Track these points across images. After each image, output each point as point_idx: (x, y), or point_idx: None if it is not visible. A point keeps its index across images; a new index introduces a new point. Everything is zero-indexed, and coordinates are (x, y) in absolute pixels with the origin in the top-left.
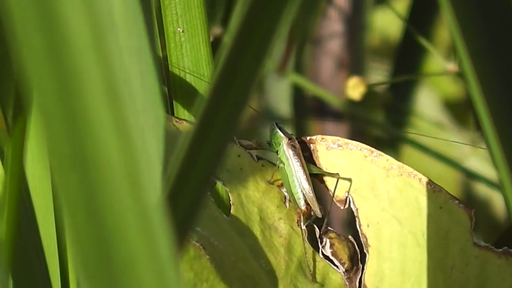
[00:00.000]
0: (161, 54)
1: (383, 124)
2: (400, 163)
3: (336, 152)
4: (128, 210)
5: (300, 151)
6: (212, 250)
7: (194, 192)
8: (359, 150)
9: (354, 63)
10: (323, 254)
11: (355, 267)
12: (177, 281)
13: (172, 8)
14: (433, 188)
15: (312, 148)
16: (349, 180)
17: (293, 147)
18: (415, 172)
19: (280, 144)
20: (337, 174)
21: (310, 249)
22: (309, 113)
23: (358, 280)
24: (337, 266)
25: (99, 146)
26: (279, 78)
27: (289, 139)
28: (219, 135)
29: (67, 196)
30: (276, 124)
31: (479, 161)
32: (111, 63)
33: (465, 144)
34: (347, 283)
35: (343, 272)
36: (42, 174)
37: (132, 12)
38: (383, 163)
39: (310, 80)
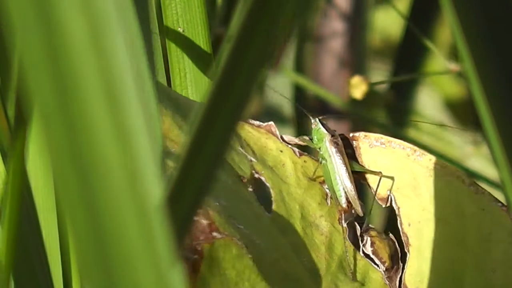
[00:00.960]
0: (162, 54)
1: (384, 124)
2: (443, 163)
3: (379, 150)
4: (127, 211)
5: (343, 148)
6: (254, 248)
7: (196, 189)
8: (402, 149)
9: (355, 62)
10: (363, 252)
11: (395, 266)
12: (177, 280)
13: (172, 8)
14: (475, 190)
15: (354, 145)
16: (391, 178)
17: (336, 144)
18: (459, 173)
19: (322, 140)
20: (380, 172)
21: (351, 247)
22: (311, 112)
23: (398, 280)
24: (377, 265)
25: (98, 147)
26: (273, 74)
27: (332, 135)
28: (221, 132)
29: (66, 195)
30: (319, 120)
31: (480, 161)
32: (109, 63)
33: (464, 130)
34: (387, 282)
35: (384, 271)
36: (45, 173)
37: (125, 11)
38: (426, 163)
39: (311, 79)
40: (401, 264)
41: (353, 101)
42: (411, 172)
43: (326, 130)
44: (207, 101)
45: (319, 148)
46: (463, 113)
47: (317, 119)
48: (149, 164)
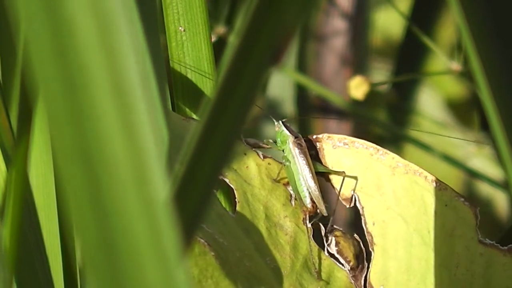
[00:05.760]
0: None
1: (385, 123)
2: (406, 161)
3: (342, 150)
4: (134, 207)
5: (306, 149)
6: (217, 247)
7: (201, 190)
8: (365, 149)
9: (357, 61)
10: (328, 252)
11: (360, 265)
12: (184, 278)
13: (173, 7)
14: (438, 186)
15: (318, 147)
16: (355, 178)
17: (299, 146)
18: (421, 170)
19: (286, 142)
20: (343, 172)
21: (315, 247)
22: (312, 111)
23: (363, 278)
24: (342, 264)
25: (105, 143)
26: (275, 72)
27: (295, 137)
28: (225, 133)
29: (73, 192)
30: (282, 122)
31: (481, 161)
32: (116, 60)
33: (467, 140)
34: (353, 281)
35: (349, 270)
36: (45, 173)
37: (130, 10)
38: (389, 161)
39: (313, 78)
40: (366, 263)
41: (355, 101)
42: (375, 172)
43: (290, 132)
44: (213, 100)
45: (283, 150)
46: (464, 113)
47: (280, 122)
48: (156, 160)
